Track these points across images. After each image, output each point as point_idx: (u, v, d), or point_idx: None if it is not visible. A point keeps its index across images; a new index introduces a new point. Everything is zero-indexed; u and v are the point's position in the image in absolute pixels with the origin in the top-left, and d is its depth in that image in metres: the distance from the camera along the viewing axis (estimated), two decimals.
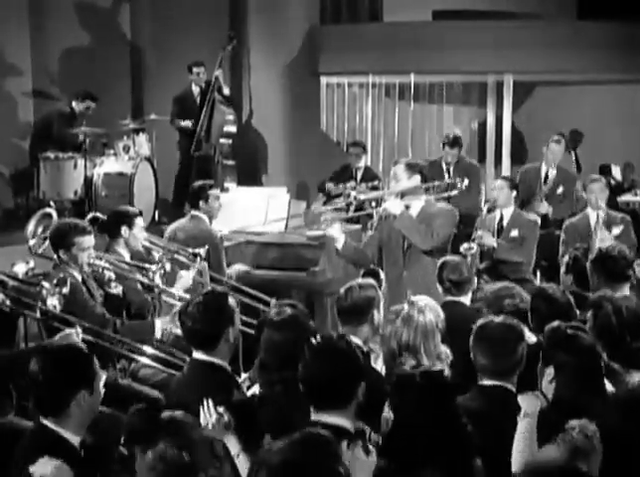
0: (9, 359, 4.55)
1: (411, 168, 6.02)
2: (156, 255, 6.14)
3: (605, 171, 11.06)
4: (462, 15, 11.62)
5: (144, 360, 5.24)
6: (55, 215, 6.20)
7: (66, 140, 9.29)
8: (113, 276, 5.60)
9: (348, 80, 11.62)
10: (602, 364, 3.78)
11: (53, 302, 4.72)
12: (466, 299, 5.40)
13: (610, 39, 10.37)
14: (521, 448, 3.44)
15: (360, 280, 4.69)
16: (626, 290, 5.28)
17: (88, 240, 5.38)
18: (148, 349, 5.20)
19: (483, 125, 11.86)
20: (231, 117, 10.13)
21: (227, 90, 10.06)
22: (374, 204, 7.13)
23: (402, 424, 3.16)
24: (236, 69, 10.99)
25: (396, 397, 3.32)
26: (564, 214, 8.41)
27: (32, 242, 5.71)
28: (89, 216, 6.91)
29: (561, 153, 8.88)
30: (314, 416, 3.26)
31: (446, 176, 8.56)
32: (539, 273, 8.02)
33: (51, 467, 3.05)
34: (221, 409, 3.56)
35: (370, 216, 7.11)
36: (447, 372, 3.92)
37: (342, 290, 4.50)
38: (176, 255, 6.28)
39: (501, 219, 7.69)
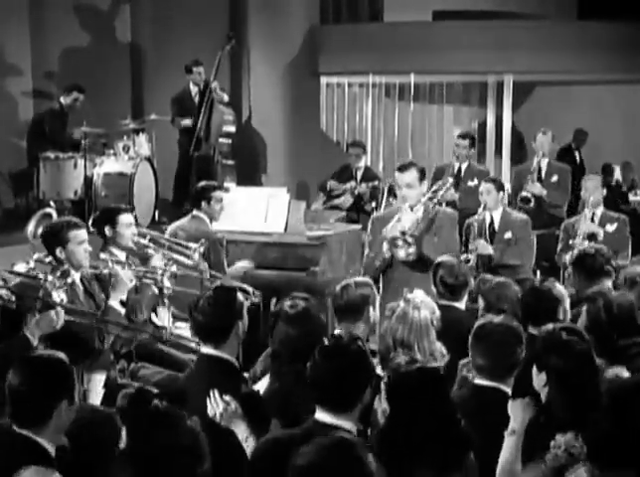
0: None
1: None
2: (151, 251, 6.06)
3: (607, 171, 11.09)
4: (462, 15, 11.63)
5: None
6: (55, 215, 6.13)
7: (59, 137, 9.27)
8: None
9: (348, 80, 11.63)
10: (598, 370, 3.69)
11: (59, 295, 4.68)
12: (461, 304, 5.24)
13: (611, 39, 10.36)
14: (507, 469, 3.40)
15: (356, 278, 4.72)
16: (608, 286, 5.32)
17: (83, 234, 5.26)
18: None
19: (483, 125, 11.87)
20: (230, 117, 10.12)
21: (225, 98, 10.04)
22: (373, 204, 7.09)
23: (397, 419, 3.16)
24: (235, 69, 10.98)
25: (390, 392, 3.32)
26: (560, 201, 8.47)
27: (35, 243, 5.65)
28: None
29: (549, 143, 8.80)
30: (318, 415, 3.26)
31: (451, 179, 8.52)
32: (539, 273, 8.01)
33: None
34: (227, 398, 3.62)
35: (368, 214, 7.06)
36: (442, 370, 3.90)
37: (338, 288, 4.54)
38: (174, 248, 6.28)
39: (492, 222, 7.62)
